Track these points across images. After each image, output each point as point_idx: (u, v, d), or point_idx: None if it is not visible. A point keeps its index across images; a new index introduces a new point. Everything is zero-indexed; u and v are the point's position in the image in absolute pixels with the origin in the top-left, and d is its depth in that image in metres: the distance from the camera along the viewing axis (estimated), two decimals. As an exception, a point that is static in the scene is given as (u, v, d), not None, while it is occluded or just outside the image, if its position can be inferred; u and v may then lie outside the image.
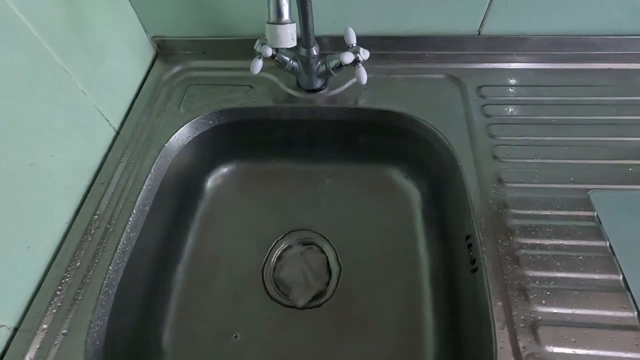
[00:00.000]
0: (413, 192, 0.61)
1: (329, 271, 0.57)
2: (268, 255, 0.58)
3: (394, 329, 0.51)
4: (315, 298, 0.55)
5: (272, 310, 0.54)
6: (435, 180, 0.57)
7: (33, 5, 0.39)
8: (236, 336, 0.52)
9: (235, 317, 0.53)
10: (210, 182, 0.63)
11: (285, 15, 0.31)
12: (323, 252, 0.59)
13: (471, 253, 0.45)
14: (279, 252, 0.59)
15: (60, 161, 0.43)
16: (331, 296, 0.55)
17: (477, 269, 0.43)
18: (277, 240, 0.59)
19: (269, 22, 0.32)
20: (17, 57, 0.38)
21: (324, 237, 0.59)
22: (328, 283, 0.56)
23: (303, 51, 0.52)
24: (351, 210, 0.62)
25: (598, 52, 0.57)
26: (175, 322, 0.52)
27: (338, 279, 0.56)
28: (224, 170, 0.64)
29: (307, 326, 0.53)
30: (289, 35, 0.33)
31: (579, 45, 0.56)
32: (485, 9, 0.54)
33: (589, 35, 0.56)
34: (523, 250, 0.41)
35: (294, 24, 0.32)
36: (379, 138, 0.59)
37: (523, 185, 0.46)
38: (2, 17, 0.36)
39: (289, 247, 0.59)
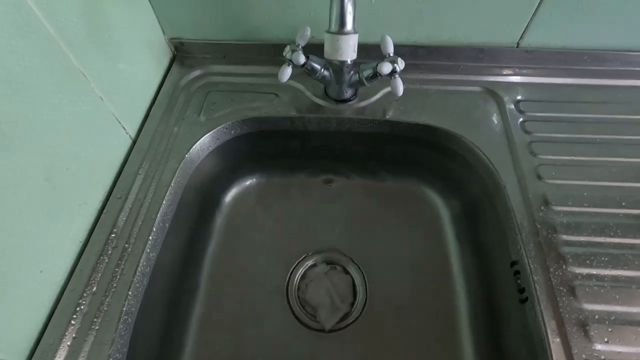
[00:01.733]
0: (445, 211, 0.58)
1: (355, 292, 0.54)
2: (291, 275, 0.55)
3: (426, 355, 0.48)
4: (341, 320, 0.51)
5: (296, 333, 0.50)
6: (470, 199, 0.54)
7: (51, 3, 0.35)
8: (259, 363, 0.48)
9: (258, 341, 0.50)
10: (229, 196, 0.60)
11: (349, 25, 0.27)
12: (348, 272, 0.55)
13: (519, 281, 0.42)
14: (302, 271, 0.55)
15: (76, 174, 0.39)
16: (357, 318, 0.52)
17: (527, 299, 0.40)
18: (300, 259, 0.56)
19: (329, 32, 0.29)
20: (33, 60, 0.34)
21: (349, 257, 0.56)
22: (353, 304, 0.53)
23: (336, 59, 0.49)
24: (378, 228, 0.58)
25: None
26: (195, 349, 0.48)
27: (365, 300, 0.53)
28: (244, 182, 0.60)
29: (333, 350, 0.50)
30: (350, 47, 0.30)
31: (621, 61, 0.54)
32: (528, 20, 0.51)
33: (630, 51, 0.54)
34: (578, 281, 0.39)
35: (357, 35, 0.28)
36: (410, 152, 0.57)
37: (572, 209, 0.44)
38: (20, 15, 0.32)
39: (313, 265, 0.56)
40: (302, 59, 0.47)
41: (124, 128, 0.48)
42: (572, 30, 0.52)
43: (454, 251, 0.55)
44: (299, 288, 0.54)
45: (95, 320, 0.37)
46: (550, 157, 0.48)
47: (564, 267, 0.40)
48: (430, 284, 0.53)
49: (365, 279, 0.54)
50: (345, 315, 0.52)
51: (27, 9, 0.33)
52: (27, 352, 0.34)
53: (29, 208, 0.33)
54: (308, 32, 0.48)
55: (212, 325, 0.50)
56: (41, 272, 0.35)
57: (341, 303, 0.53)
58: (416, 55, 0.57)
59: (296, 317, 0.51)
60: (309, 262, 0.56)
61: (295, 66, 0.49)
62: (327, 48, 0.30)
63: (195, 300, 0.51)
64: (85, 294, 0.38)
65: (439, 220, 0.58)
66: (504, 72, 0.57)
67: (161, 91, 0.56)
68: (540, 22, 0.51)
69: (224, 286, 0.53)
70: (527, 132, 0.51)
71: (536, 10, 0.50)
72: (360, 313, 0.52)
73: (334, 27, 0.28)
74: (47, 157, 0.36)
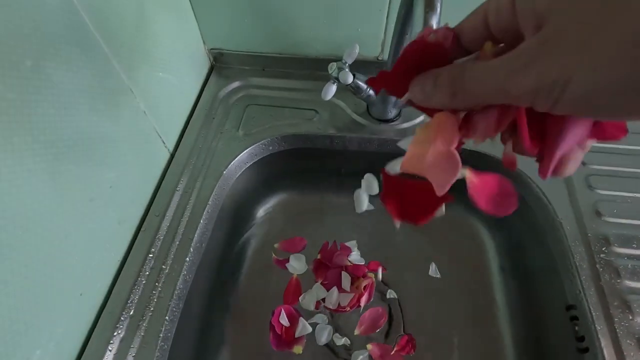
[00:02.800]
0: (489, 243, 0.55)
1: (390, 323, 0.51)
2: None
3: None
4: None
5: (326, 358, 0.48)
6: (518, 233, 0.51)
7: (105, 20, 0.34)
8: (290, 392, 0.46)
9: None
10: (262, 212, 0.58)
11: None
12: (383, 299, 0.53)
13: (577, 328, 0.39)
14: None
15: (118, 192, 0.38)
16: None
17: (587, 349, 0.37)
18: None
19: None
20: (87, 77, 0.33)
21: (384, 282, 0.54)
22: (388, 334, 0.51)
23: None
24: (415, 257, 0.55)
25: None
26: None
27: (402, 331, 0.50)
28: (279, 200, 0.58)
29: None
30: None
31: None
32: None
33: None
34: (647, 334, 0.36)
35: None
36: (455, 183, 0.54)
37: (637, 252, 0.41)
38: (77, 32, 0.31)
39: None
40: (350, 78, 0.45)
41: (163, 142, 0.47)
42: None
43: (499, 288, 0.51)
44: (332, 316, 0.52)
45: (132, 347, 0.35)
46: (609, 192, 0.45)
47: (630, 317, 0.37)
48: (473, 323, 0.50)
49: (401, 306, 0.52)
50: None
51: (86, 29, 0.32)
52: (63, 380, 0.33)
53: (72, 229, 0.32)
54: (356, 50, 0.46)
55: (244, 351, 0.48)
56: (81, 295, 0.34)
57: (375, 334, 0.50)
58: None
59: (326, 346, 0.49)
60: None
61: (340, 84, 0.47)
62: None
63: (226, 326, 0.49)
64: (122, 318, 0.37)
65: (484, 253, 0.55)
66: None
67: (199, 103, 0.55)
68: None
69: (255, 308, 0.51)
70: (584, 163, 0.48)
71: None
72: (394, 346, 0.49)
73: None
74: (93, 176, 0.34)
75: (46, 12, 0.28)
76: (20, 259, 0.27)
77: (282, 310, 0.45)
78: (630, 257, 0.40)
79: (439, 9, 0.26)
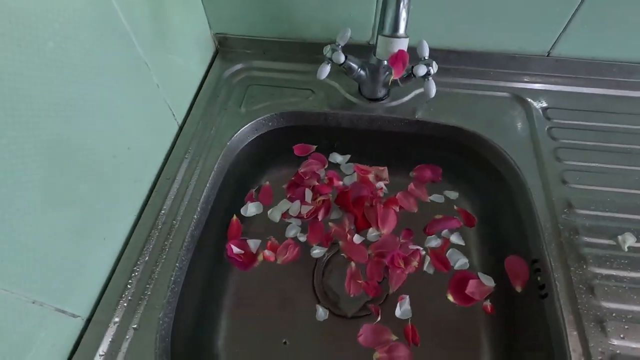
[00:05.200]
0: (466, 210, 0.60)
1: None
2: (316, 263, 0.58)
3: (444, 338, 0.50)
4: (364, 307, 0.54)
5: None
6: (491, 199, 0.57)
7: (131, 4, 0.39)
8: (285, 342, 0.51)
9: (285, 323, 0.53)
10: (261, 181, 0.63)
11: (402, 29, 0.30)
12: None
13: (539, 278, 0.44)
14: (327, 257, 0.58)
15: (135, 154, 0.43)
16: (381, 304, 0.54)
17: (547, 294, 0.42)
18: (322, 249, 0.59)
19: (383, 35, 0.31)
20: (110, 49, 0.38)
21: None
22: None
23: (374, 59, 0.52)
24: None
25: (668, 82, 0.56)
26: (228, 325, 0.51)
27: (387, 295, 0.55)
28: (278, 172, 0.63)
29: (355, 334, 0.52)
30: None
31: (649, 73, 0.56)
32: (560, 31, 0.53)
33: (660, 65, 0.55)
34: (597, 281, 0.41)
35: (408, 39, 0.31)
36: (436, 153, 0.59)
37: (595, 213, 0.46)
38: (106, 13, 0.36)
39: (337, 253, 0.59)
40: (342, 58, 0.50)
41: (173, 115, 0.52)
42: (602, 42, 0.54)
43: (474, 249, 0.57)
44: (323, 274, 0.57)
45: (147, 286, 0.41)
46: (575, 163, 0.50)
47: (584, 267, 0.42)
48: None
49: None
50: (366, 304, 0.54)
51: (112, 8, 0.37)
52: (90, 308, 0.38)
53: (99, 181, 0.37)
54: (348, 33, 0.51)
55: (244, 303, 0.53)
56: (104, 239, 0.39)
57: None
58: (448, 59, 0.59)
59: (318, 301, 0.54)
60: (317, 256, 0.58)
61: (333, 65, 0.52)
62: (379, 49, 0.32)
63: (229, 278, 0.54)
64: (138, 262, 0.42)
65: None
66: (533, 80, 0.59)
67: (205, 83, 0.60)
68: (571, 33, 0.53)
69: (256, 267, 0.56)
70: (553, 138, 0.53)
71: (569, 22, 0.52)
72: (385, 300, 0.54)
73: (387, 31, 0.30)
74: (114, 136, 0.39)
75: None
76: (65, 208, 0.32)
77: (231, 246, 0.51)
78: (589, 217, 0.45)
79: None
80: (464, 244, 0.53)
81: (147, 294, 0.40)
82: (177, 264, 0.43)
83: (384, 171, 0.59)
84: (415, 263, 0.51)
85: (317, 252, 0.55)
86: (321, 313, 0.52)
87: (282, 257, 0.53)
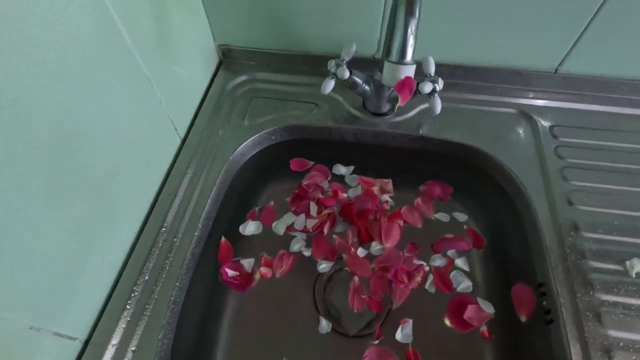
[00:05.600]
0: (464, 221, 0.59)
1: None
2: (318, 277, 0.57)
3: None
4: (367, 326, 0.53)
5: (322, 335, 0.53)
6: (496, 218, 0.56)
7: (129, 12, 0.38)
8: (285, 360, 0.51)
9: (285, 341, 0.52)
10: (265, 197, 0.62)
11: (409, 56, 0.30)
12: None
13: (544, 302, 0.43)
14: (329, 274, 0.58)
15: (137, 171, 0.43)
16: (382, 323, 0.54)
17: (552, 320, 0.41)
18: (328, 263, 0.58)
19: (390, 61, 0.31)
20: (113, 66, 0.37)
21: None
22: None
23: (378, 75, 0.51)
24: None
25: (678, 101, 0.55)
26: (228, 342, 0.51)
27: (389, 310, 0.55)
28: (280, 186, 0.63)
29: (356, 353, 0.52)
30: (408, 76, 0.32)
31: (659, 92, 0.55)
32: (569, 48, 0.52)
33: (670, 83, 0.54)
34: (605, 308, 0.40)
35: (414, 66, 0.31)
36: (441, 170, 0.58)
37: (602, 236, 0.45)
38: (104, 24, 0.35)
39: (340, 269, 0.58)
40: (346, 74, 0.50)
41: (175, 129, 0.51)
42: (611, 60, 0.53)
43: (477, 269, 0.56)
44: (324, 290, 0.57)
45: (147, 306, 0.40)
46: (582, 183, 0.49)
47: (591, 293, 0.41)
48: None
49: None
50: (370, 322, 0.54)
51: (113, 22, 0.36)
52: (89, 330, 0.38)
53: (100, 201, 0.37)
54: (353, 49, 0.51)
55: (244, 321, 0.53)
56: (104, 259, 0.39)
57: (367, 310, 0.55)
58: (454, 74, 0.58)
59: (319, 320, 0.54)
60: (323, 270, 0.57)
61: (338, 79, 0.51)
62: (386, 75, 0.32)
63: (229, 296, 0.53)
64: (138, 282, 0.41)
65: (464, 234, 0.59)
66: (540, 96, 0.58)
67: (208, 94, 0.59)
68: (580, 50, 0.52)
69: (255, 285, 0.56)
70: (560, 157, 0.52)
71: (578, 39, 0.51)
72: (385, 318, 0.54)
73: (394, 57, 0.30)
74: (117, 155, 0.39)
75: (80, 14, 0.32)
76: (61, 228, 0.32)
77: (225, 270, 0.49)
78: (596, 241, 0.44)
79: (417, 14, 0.30)
80: (468, 270, 0.52)
81: (147, 314, 0.40)
82: (177, 283, 0.42)
83: (389, 183, 0.58)
84: (418, 278, 0.50)
85: (323, 266, 0.54)
86: (324, 325, 0.51)
87: (279, 269, 0.53)
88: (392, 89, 0.52)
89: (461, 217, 0.57)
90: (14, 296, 0.28)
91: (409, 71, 0.30)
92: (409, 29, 0.29)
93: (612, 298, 0.41)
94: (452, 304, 0.48)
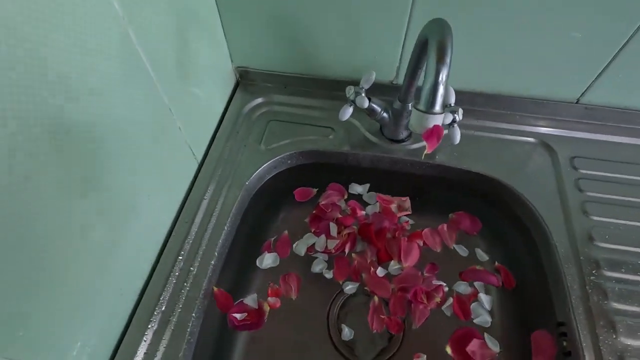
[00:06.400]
0: (485, 260, 0.58)
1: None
2: (331, 305, 0.57)
3: None
4: (380, 354, 0.53)
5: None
6: (513, 251, 0.55)
7: (151, 42, 0.38)
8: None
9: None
10: (280, 222, 0.62)
11: (438, 106, 0.30)
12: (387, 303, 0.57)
13: (565, 344, 0.43)
14: (342, 300, 0.57)
15: (155, 202, 0.43)
16: (396, 352, 0.53)
17: (573, 363, 0.41)
18: (341, 288, 0.58)
19: (418, 109, 0.31)
20: (137, 101, 0.37)
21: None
22: (391, 338, 0.54)
23: (398, 104, 0.51)
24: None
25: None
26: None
27: (403, 333, 0.54)
28: (295, 211, 0.62)
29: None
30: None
31: (684, 125, 0.54)
32: (593, 79, 0.52)
33: (695, 116, 0.53)
34: (628, 353, 0.39)
35: (443, 115, 0.30)
36: (457, 199, 0.58)
37: (625, 276, 0.44)
38: (128, 56, 0.35)
39: (353, 295, 0.58)
40: (365, 103, 0.50)
41: (193, 154, 0.51)
42: (636, 92, 0.52)
43: (495, 305, 0.55)
44: (338, 317, 0.56)
45: (163, 339, 0.40)
46: (604, 219, 0.48)
47: (614, 336, 0.40)
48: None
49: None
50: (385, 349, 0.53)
51: (138, 59, 0.36)
52: (106, 363, 0.38)
53: (118, 235, 0.37)
54: (373, 77, 0.50)
55: (258, 349, 0.53)
56: (121, 294, 0.39)
57: (379, 337, 0.54)
58: (473, 101, 0.58)
59: (334, 346, 0.53)
60: (350, 292, 0.57)
61: (356, 107, 0.51)
62: (413, 122, 0.31)
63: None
64: (155, 312, 0.41)
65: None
66: (561, 126, 0.57)
67: (225, 117, 0.59)
68: (604, 81, 0.52)
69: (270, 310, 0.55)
70: (580, 190, 0.51)
71: (603, 70, 0.50)
72: (399, 348, 0.53)
73: (423, 106, 0.29)
74: (136, 187, 0.39)
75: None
76: (75, 263, 0.32)
77: (230, 318, 0.47)
78: (619, 280, 0.44)
79: (449, 62, 0.30)
80: (491, 306, 0.51)
81: (163, 346, 0.40)
82: (194, 314, 0.42)
83: (406, 201, 0.58)
84: (438, 299, 0.50)
85: (349, 287, 0.55)
86: (347, 333, 0.52)
87: (291, 292, 0.53)
88: (409, 115, 0.52)
89: (483, 256, 0.56)
90: (21, 340, 0.28)
91: (438, 120, 0.30)
92: (440, 78, 0.28)
93: (635, 343, 0.40)
94: (458, 334, 0.47)
